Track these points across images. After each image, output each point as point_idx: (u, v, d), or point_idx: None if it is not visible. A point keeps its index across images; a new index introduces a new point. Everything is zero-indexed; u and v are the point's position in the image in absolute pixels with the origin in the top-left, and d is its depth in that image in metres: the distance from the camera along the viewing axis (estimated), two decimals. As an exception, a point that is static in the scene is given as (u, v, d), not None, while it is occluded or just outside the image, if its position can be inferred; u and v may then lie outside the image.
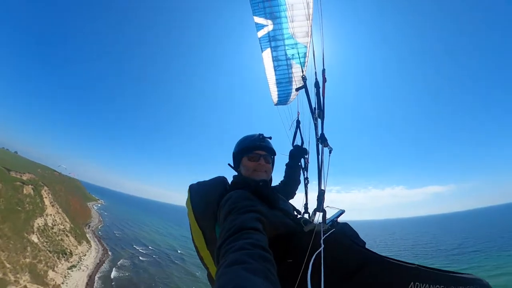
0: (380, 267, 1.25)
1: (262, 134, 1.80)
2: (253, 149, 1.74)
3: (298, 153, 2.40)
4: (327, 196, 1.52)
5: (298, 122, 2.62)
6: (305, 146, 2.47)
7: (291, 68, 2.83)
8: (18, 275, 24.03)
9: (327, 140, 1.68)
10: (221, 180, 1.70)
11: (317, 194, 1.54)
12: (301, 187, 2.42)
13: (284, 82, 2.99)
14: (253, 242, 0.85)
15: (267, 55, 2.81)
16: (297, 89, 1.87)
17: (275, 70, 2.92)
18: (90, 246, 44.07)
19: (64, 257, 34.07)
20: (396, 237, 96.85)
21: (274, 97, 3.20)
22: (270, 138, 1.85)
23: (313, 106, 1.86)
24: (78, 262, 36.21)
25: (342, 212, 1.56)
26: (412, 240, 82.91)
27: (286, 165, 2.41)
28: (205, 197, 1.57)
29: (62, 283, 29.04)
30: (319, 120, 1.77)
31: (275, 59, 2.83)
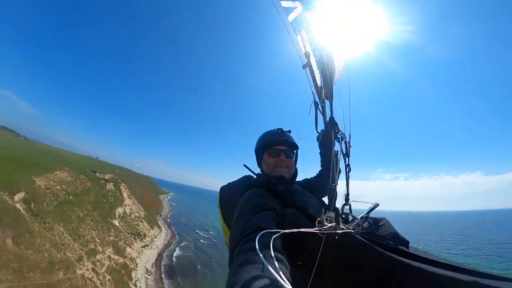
0: (408, 274, 0.99)
1: (281, 129, 1.76)
2: (273, 145, 1.71)
3: (325, 139, 2.03)
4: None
5: (316, 104, 2.13)
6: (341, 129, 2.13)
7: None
8: (104, 248, 30.81)
9: (337, 124, 1.57)
10: (246, 179, 1.72)
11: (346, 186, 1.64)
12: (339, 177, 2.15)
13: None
14: (266, 244, 0.83)
15: (301, 38, 2.50)
16: (303, 67, 1.62)
17: (313, 51, 2.58)
18: (161, 231, 52.09)
19: (139, 238, 41.63)
20: (467, 233, 79.87)
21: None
22: (289, 131, 1.80)
23: (319, 85, 1.73)
24: (150, 242, 43.60)
25: (374, 206, 1.47)
26: (485, 237, 66.83)
27: (320, 154, 2.12)
28: (231, 199, 1.56)
29: (137, 257, 35.66)
30: (327, 102, 1.65)
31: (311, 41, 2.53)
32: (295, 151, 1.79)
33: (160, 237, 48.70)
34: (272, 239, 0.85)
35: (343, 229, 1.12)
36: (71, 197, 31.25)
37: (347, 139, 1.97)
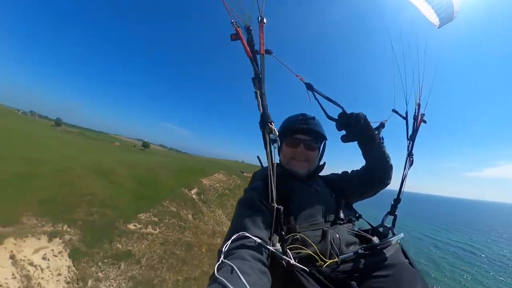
0: None
1: (304, 114, 1.44)
2: (293, 133, 1.39)
3: (354, 121, 1.27)
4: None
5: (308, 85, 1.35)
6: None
7: None
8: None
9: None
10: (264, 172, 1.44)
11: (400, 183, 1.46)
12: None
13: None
14: (253, 254, 0.82)
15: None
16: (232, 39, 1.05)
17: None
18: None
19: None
20: None
21: (433, 17, 1.95)
22: (313, 118, 1.42)
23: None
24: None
25: (373, 244, 1.02)
26: None
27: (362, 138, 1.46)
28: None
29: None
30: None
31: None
32: (319, 143, 1.46)
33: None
34: (260, 250, 0.86)
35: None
36: (226, 191, 39.95)
37: (416, 112, 1.59)
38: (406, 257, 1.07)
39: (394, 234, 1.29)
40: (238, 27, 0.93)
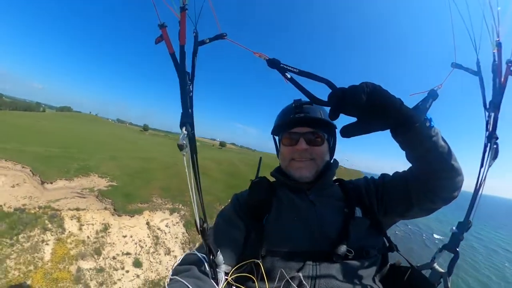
0: None
1: (299, 100, 1.03)
2: (288, 127, 1.03)
3: (351, 99, 0.57)
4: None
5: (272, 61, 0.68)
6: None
7: None
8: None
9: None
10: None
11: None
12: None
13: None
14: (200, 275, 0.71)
15: None
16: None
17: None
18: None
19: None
20: None
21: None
22: (311, 104, 0.99)
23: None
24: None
25: None
26: None
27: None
28: None
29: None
30: None
31: None
32: (327, 132, 1.04)
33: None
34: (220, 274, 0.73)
35: None
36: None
37: (496, 59, 0.83)
38: None
39: (447, 286, 0.83)
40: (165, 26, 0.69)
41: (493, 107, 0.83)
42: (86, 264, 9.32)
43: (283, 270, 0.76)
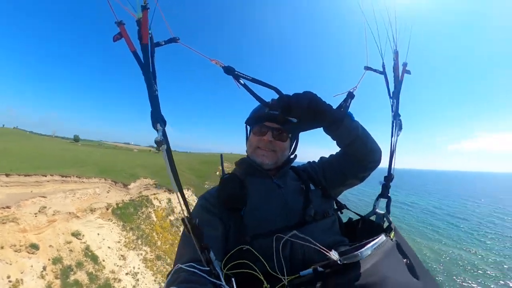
0: None
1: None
2: (261, 120, 1.16)
3: (295, 104, 0.85)
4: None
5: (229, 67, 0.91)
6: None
7: None
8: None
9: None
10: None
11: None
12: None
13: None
14: (201, 281, 0.71)
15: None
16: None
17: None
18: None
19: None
20: None
21: None
22: None
23: None
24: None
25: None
26: None
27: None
28: None
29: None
30: None
31: None
32: (294, 134, 1.21)
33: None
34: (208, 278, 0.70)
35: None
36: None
37: (395, 61, 1.19)
38: (405, 256, 0.88)
39: (389, 222, 1.05)
40: (124, 24, 0.71)
41: (395, 95, 1.22)
42: (172, 217, 19.76)
43: (273, 245, 0.86)
